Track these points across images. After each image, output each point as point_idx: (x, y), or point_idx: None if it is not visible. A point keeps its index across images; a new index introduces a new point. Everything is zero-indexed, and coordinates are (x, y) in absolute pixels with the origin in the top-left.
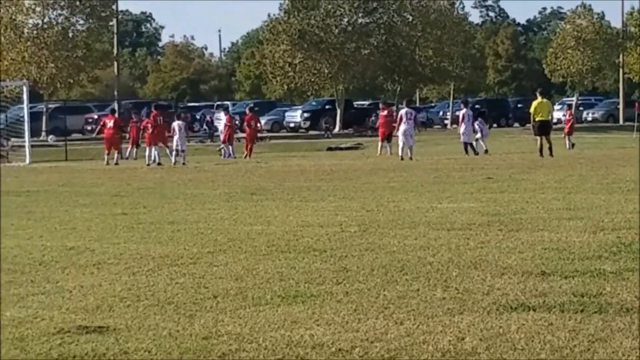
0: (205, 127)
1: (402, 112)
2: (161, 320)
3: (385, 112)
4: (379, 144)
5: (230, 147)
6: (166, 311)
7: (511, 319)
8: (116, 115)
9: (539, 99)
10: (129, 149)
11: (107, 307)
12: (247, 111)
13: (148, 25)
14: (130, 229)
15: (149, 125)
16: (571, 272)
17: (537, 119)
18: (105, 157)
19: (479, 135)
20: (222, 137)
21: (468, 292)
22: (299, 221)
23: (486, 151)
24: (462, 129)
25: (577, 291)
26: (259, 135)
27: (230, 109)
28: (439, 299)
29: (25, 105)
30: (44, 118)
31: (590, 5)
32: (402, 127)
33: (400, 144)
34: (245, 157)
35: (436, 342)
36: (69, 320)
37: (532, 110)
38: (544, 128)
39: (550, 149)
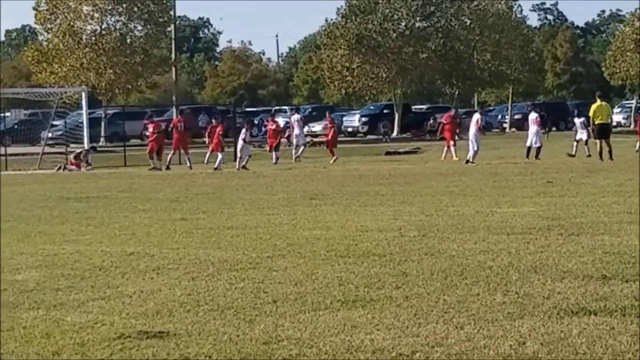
0: (263, 132)
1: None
2: (221, 325)
3: (450, 117)
4: (446, 148)
5: (275, 153)
6: (226, 316)
7: (572, 323)
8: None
9: (598, 102)
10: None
11: (167, 312)
12: (327, 115)
13: (206, 30)
14: (189, 234)
15: (217, 130)
16: (632, 275)
17: (596, 122)
18: (151, 162)
19: (584, 136)
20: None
21: (528, 296)
22: (358, 226)
23: (572, 155)
24: (530, 132)
25: (639, 295)
26: (317, 140)
27: (288, 113)
28: (499, 303)
29: (84, 112)
30: (102, 124)
31: None
32: (472, 130)
33: (472, 148)
34: (334, 161)
35: (497, 346)
36: (130, 326)
37: (591, 113)
38: (604, 131)
39: (610, 152)
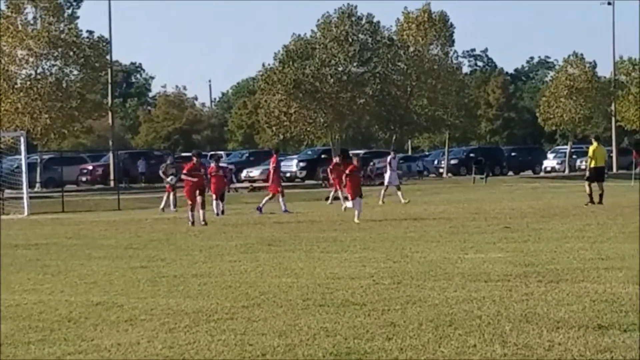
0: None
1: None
2: None
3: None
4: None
5: (219, 202)
6: None
7: None
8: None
9: (596, 144)
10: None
11: None
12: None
13: (138, 75)
14: (154, 282)
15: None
16: (629, 325)
17: (592, 166)
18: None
19: None
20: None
21: (528, 347)
22: (327, 273)
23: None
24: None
25: None
26: (255, 185)
27: (223, 158)
28: (500, 355)
29: (23, 157)
30: (38, 169)
31: (582, 55)
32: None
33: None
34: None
35: None
36: None
37: (591, 155)
38: (600, 174)
39: (600, 195)
